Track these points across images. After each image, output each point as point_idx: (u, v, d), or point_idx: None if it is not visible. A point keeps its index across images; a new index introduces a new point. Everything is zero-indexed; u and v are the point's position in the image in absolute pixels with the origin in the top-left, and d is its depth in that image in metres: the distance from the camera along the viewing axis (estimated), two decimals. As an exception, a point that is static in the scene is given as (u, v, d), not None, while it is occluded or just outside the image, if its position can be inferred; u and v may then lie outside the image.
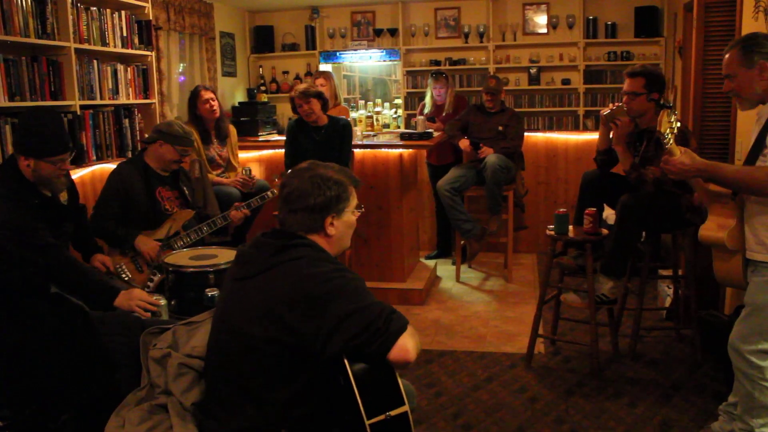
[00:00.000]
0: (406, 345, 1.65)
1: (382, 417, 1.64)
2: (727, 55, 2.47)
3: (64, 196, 2.99)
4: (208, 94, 4.30)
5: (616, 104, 3.54)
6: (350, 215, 1.87)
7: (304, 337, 1.66)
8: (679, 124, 2.47)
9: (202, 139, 4.30)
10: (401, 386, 1.70)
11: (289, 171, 1.87)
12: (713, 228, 2.54)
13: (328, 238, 1.83)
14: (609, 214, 4.47)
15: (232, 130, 4.62)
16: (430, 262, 5.44)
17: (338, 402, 1.68)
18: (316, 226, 1.81)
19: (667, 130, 2.39)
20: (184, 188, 3.56)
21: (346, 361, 1.64)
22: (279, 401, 1.69)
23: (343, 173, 1.86)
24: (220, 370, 1.78)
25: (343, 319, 1.63)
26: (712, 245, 2.56)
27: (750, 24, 3.28)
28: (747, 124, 3.27)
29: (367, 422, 1.62)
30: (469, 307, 4.64)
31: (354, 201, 1.88)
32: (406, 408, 1.68)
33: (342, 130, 4.27)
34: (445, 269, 5.50)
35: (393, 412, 1.66)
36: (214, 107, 4.30)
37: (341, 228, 1.85)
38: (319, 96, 4.19)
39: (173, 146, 3.40)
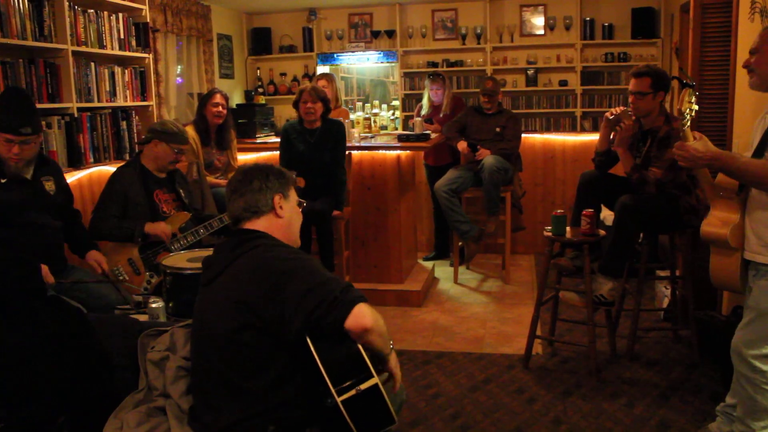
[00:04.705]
0: (362, 311, 1.68)
1: (353, 392, 1.68)
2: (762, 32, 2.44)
3: (50, 186, 2.99)
4: (220, 99, 4.30)
5: (622, 107, 3.56)
6: (294, 203, 1.97)
7: (270, 321, 1.71)
8: (697, 108, 2.43)
9: (201, 141, 4.29)
10: (367, 360, 1.73)
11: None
12: (716, 224, 2.48)
13: (279, 221, 1.90)
14: (606, 215, 4.48)
15: (232, 132, 4.61)
16: (428, 264, 5.43)
17: (312, 388, 1.71)
18: (266, 205, 1.88)
19: (687, 110, 2.36)
20: (181, 191, 3.56)
21: (309, 341, 1.68)
22: (258, 389, 1.73)
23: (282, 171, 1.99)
24: (202, 373, 1.82)
25: (302, 296, 1.68)
26: (713, 242, 2.50)
27: (746, 25, 3.29)
28: (744, 125, 3.28)
29: (338, 399, 1.65)
30: (466, 308, 4.64)
31: (294, 197, 1.98)
32: (375, 380, 1.71)
33: (336, 131, 4.29)
34: (442, 270, 5.50)
35: (363, 386, 1.69)
36: (220, 112, 4.29)
37: (289, 211, 1.93)
38: (326, 101, 4.26)
39: (168, 144, 3.40)
